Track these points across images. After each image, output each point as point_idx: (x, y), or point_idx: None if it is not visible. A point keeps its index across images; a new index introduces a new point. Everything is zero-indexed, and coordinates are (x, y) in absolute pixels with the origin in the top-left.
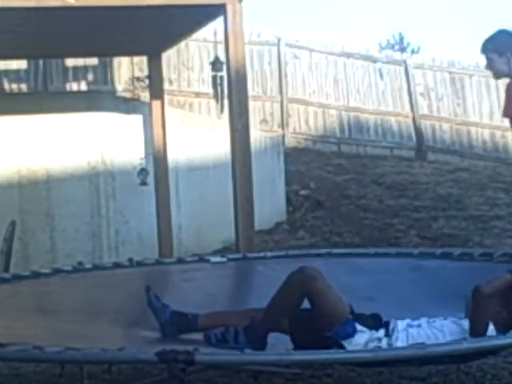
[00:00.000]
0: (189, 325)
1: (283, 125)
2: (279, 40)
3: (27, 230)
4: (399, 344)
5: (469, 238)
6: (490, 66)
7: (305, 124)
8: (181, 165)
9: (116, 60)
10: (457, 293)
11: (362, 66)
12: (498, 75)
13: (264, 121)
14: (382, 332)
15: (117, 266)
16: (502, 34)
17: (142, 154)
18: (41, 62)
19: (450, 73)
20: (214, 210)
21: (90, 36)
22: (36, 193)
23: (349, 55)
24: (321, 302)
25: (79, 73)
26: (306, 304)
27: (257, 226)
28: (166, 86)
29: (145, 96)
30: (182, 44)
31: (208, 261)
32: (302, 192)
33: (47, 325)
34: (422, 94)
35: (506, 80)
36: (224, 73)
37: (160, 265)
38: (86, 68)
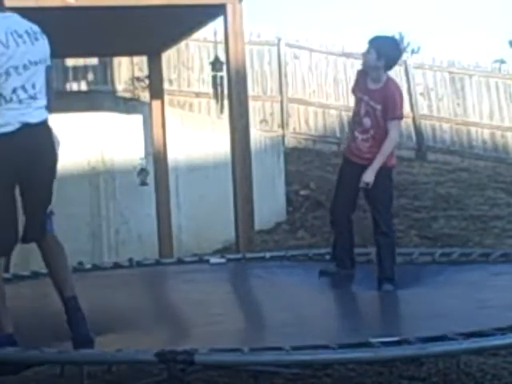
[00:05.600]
0: None
1: (283, 125)
2: (279, 40)
3: None
4: None
5: (469, 238)
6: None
7: (305, 124)
8: (181, 165)
9: (116, 60)
10: None
11: None
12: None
13: (264, 121)
14: None
15: (117, 266)
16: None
17: (142, 154)
18: None
19: (450, 73)
20: (213, 210)
21: (90, 36)
22: None
23: (349, 55)
24: None
25: (79, 73)
26: None
27: (257, 226)
28: (166, 86)
29: (145, 96)
30: (182, 44)
31: (207, 261)
32: (302, 192)
33: (47, 325)
34: (421, 94)
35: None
36: (224, 73)
37: (160, 265)
38: (86, 68)
